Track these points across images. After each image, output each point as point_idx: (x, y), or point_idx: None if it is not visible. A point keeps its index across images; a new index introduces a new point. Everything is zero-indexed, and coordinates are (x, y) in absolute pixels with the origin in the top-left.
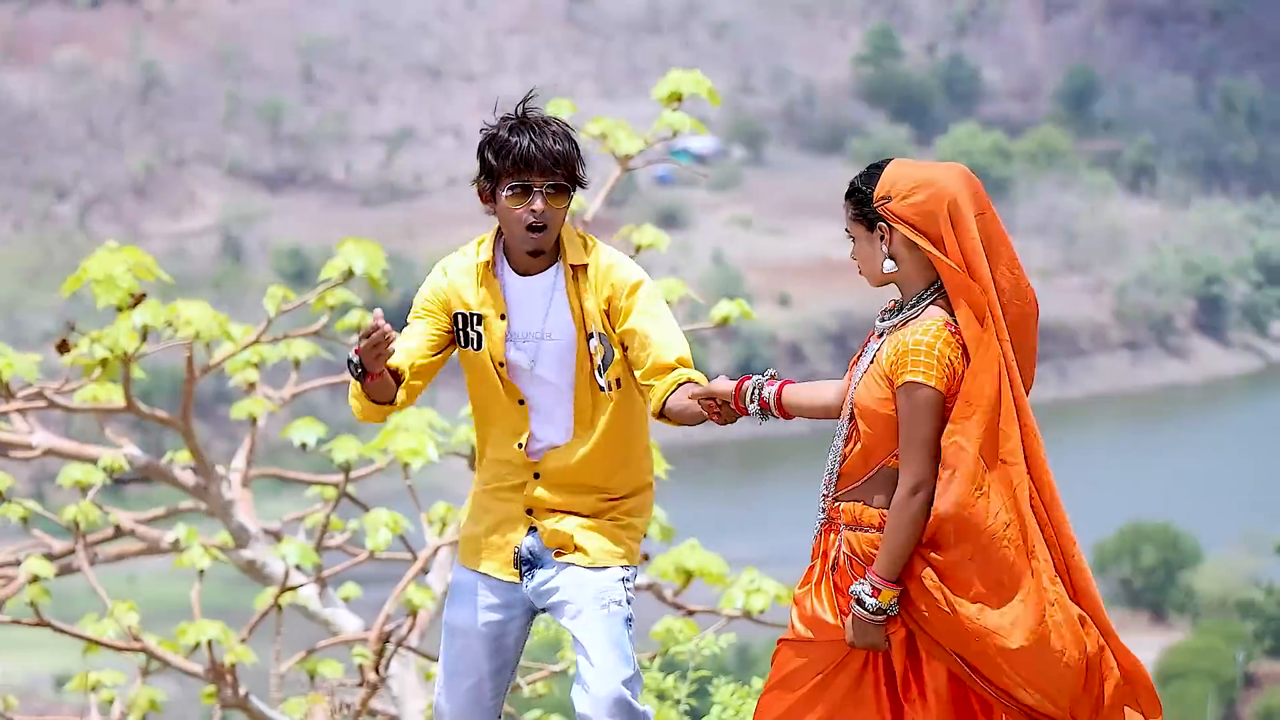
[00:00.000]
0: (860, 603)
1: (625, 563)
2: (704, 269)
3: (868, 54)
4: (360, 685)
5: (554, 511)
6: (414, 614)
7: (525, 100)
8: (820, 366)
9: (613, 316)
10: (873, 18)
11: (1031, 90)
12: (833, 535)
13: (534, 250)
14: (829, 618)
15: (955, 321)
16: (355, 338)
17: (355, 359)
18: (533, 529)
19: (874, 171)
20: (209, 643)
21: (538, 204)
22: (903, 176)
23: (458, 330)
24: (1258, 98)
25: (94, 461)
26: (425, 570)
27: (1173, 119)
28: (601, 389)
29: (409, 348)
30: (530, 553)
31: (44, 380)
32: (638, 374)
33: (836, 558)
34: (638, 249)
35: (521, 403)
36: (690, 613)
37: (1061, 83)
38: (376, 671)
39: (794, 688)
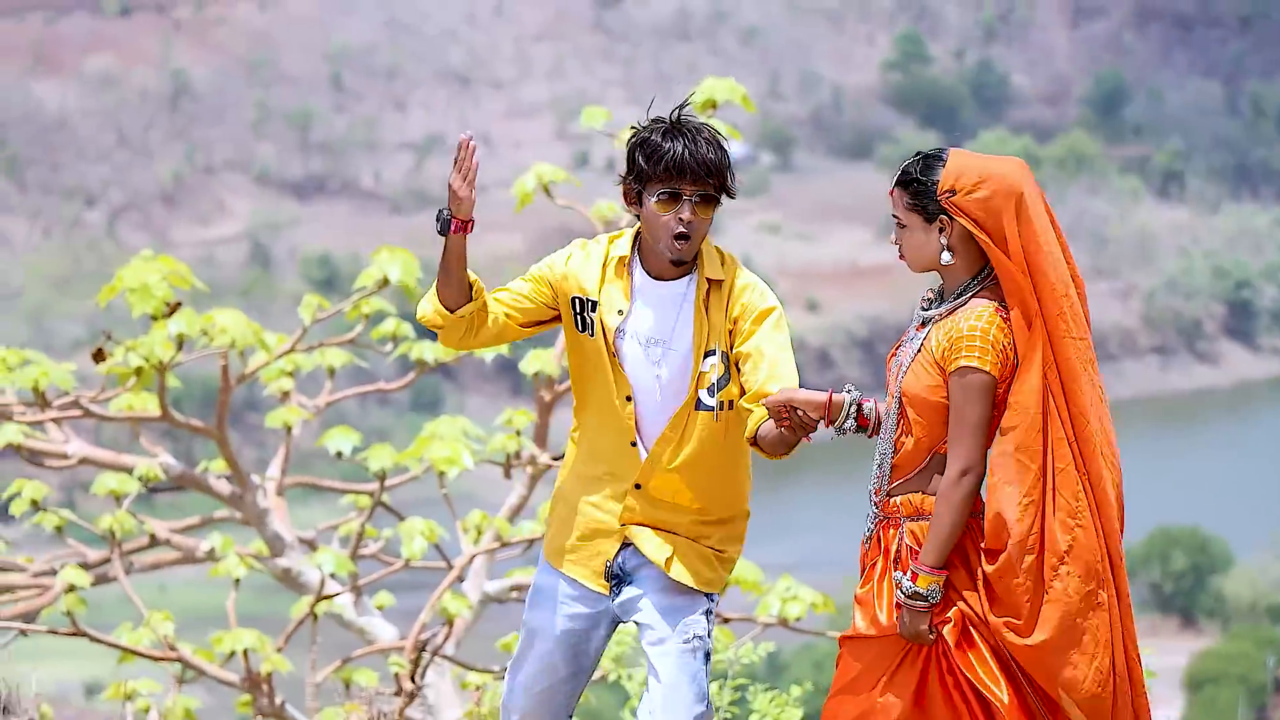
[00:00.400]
0: (901, 589)
1: (713, 591)
2: None
3: (896, 59)
4: (396, 694)
5: (649, 527)
6: (450, 623)
7: (681, 106)
8: (848, 371)
9: (735, 337)
10: (901, 23)
11: (1060, 95)
12: (892, 530)
13: (677, 259)
14: (889, 618)
15: (1005, 309)
16: (390, 346)
17: (443, 211)
18: (626, 543)
19: (931, 161)
20: (244, 651)
21: (686, 212)
22: (968, 169)
23: (575, 315)
24: None
25: (129, 471)
26: (461, 579)
27: (1202, 124)
28: (710, 408)
29: (500, 296)
30: (621, 568)
31: (79, 389)
32: (743, 399)
33: (899, 552)
34: None
35: (629, 399)
36: (726, 620)
37: (1090, 88)
38: (412, 680)
39: (859, 691)
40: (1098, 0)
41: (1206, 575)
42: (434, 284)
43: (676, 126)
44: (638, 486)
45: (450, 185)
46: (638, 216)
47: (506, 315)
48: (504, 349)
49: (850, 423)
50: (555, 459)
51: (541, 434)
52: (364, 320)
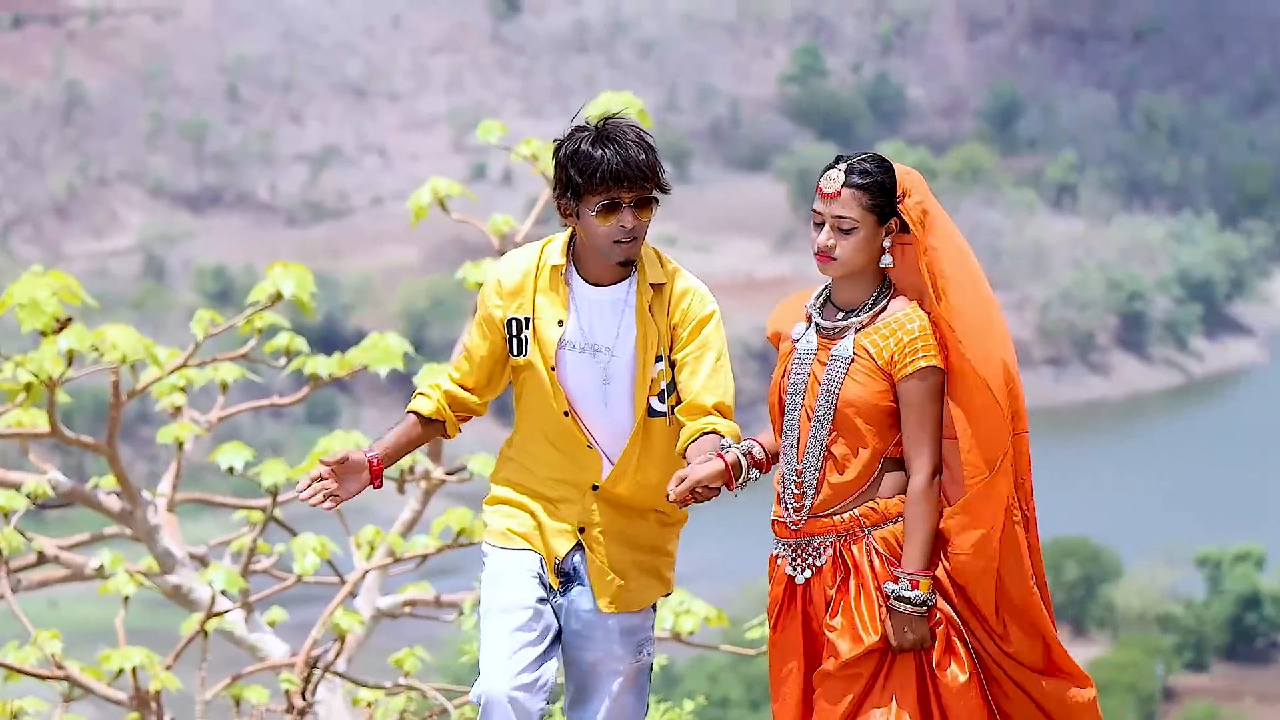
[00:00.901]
0: (903, 599)
1: (664, 594)
2: None
3: (793, 72)
4: (287, 711)
5: (607, 537)
6: (342, 639)
7: (608, 117)
8: (744, 384)
9: (674, 341)
10: (798, 37)
11: (956, 108)
12: (855, 545)
13: (625, 260)
14: (875, 631)
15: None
16: (284, 361)
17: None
18: (579, 546)
19: (878, 164)
20: (133, 669)
21: (627, 220)
22: (905, 175)
23: (511, 339)
24: (1178, 115)
25: (17, 487)
26: (353, 594)
27: (1095, 137)
28: (661, 414)
29: (461, 372)
30: (575, 569)
31: None
32: (677, 409)
33: (872, 562)
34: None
35: (566, 414)
36: None
37: (985, 101)
38: (303, 697)
39: (854, 713)
40: (993, 14)
41: (1097, 585)
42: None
43: (603, 133)
44: (595, 488)
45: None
46: (571, 226)
47: (488, 378)
48: (399, 363)
49: (753, 473)
50: (450, 474)
51: (436, 449)
52: (257, 335)
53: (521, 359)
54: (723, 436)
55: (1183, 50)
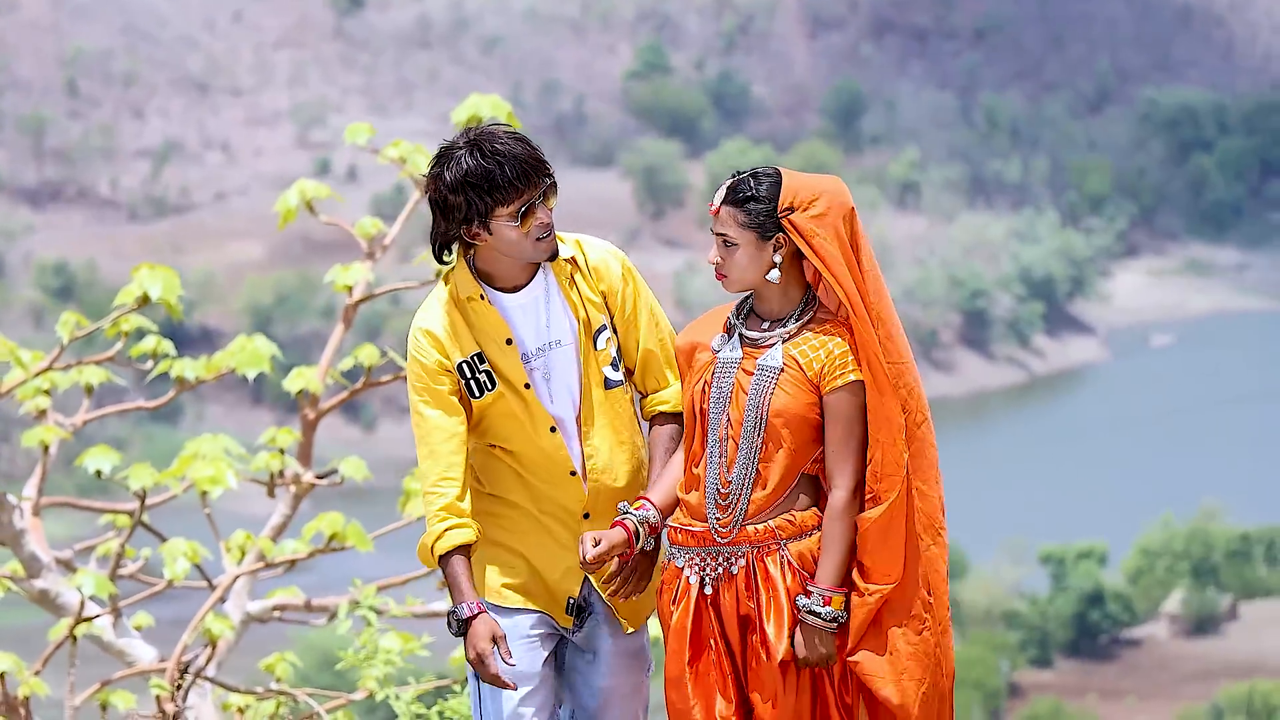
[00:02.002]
0: (814, 614)
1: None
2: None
3: (638, 69)
4: (157, 717)
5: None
6: (213, 644)
7: (470, 129)
8: None
9: (611, 304)
10: (642, 34)
11: (799, 106)
12: (769, 558)
13: (550, 254)
14: (779, 646)
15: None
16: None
17: (458, 625)
18: (587, 579)
19: (764, 179)
20: (1, 675)
21: (544, 215)
22: (804, 186)
23: (466, 382)
24: (1020, 114)
25: None
26: (223, 599)
27: (938, 135)
28: (619, 382)
29: (449, 465)
30: (586, 599)
31: None
32: (634, 371)
33: (784, 577)
34: (437, 274)
35: (553, 429)
36: None
37: (828, 98)
38: (174, 703)
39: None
40: (835, 12)
41: None
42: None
43: (479, 144)
44: (587, 516)
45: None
46: (472, 242)
47: (465, 428)
48: (266, 366)
49: (649, 542)
50: (320, 478)
51: (306, 452)
52: (124, 337)
53: (490, 394)
54: (670, 418)
55: (1023, 49)
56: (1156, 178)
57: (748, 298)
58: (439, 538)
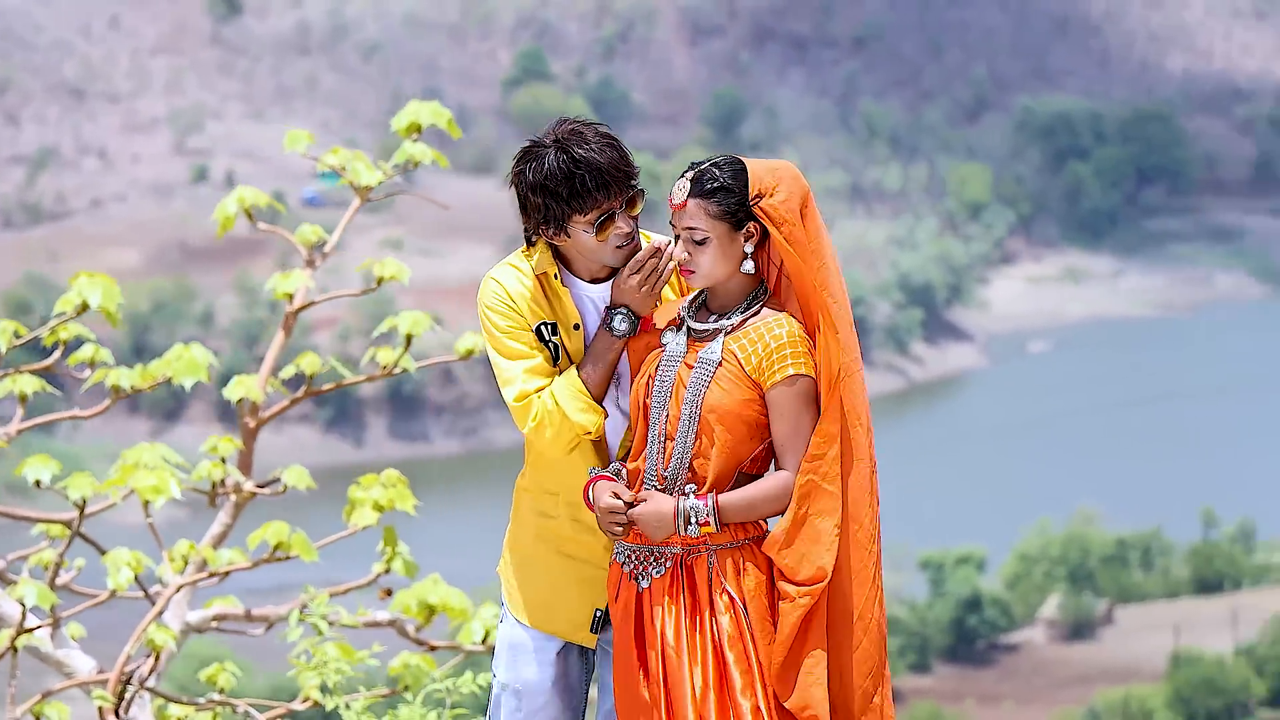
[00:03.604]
0: (694, 506)
1: None
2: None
3: (517, 76)
4: None
5: None
6: (156, 655)
7: (561, 123)
8: (472, 388)
9: None
10: (522, 40)
11: (680, 113)
12: (695, 563)
13: (623, 265)
14: (697, 657)
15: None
16: (87, 372)
17: (623, 312)
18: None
19: (729, 168)
20: None
21: (624, 225)
22: (766, 172)
23: (544, 344)
24: (899, 122)
25: None
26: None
27: (817, 142)
28: None
29: (545, 364)
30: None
31: None
32: None
33: (709, 583)
34: (379, 281)
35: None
36: (433, 648)
37: (708, 106)
38: (117, 714)
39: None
40: (715, 19)
41: None
42: (576, 396)
43: (566, 144)
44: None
45: (640, 289)
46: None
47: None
48: (204, 375)
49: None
50: (260, 487)
51: (246, 461)
52: (62, 345)
53: (559, 365)
54: None
55: (902, 57)
56: (1034, 185)
57: (700, 291)
58: (558, 382)
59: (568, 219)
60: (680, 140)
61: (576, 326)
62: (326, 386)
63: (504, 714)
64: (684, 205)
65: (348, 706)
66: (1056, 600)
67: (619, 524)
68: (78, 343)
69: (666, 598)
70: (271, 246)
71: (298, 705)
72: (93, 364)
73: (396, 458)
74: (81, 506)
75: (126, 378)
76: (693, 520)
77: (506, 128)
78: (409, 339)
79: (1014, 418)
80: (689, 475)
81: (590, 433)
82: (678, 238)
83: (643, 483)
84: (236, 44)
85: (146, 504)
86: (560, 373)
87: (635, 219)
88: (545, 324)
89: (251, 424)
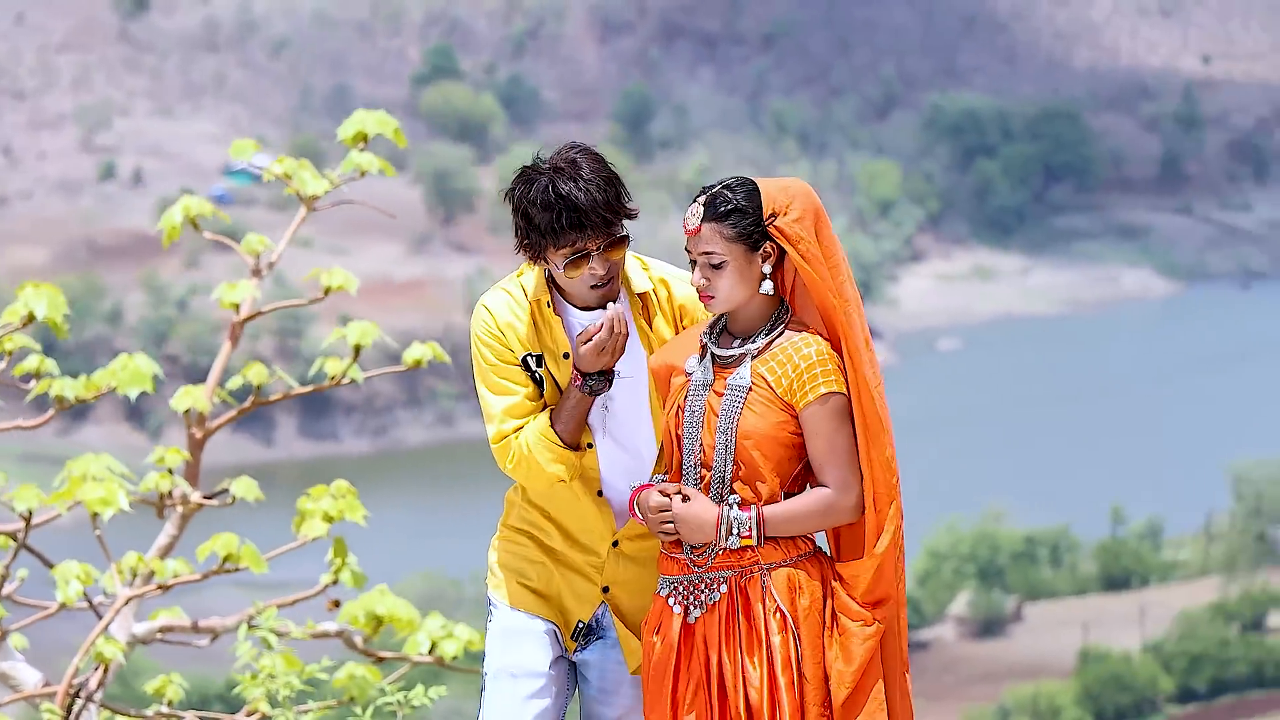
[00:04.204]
0: (733, 509)
1: None
2: (265, 291)
3: (427, 73)
4: None
5: (629, 593)
6: (105, 667)
7: (561, 151)
8: (382, 388)
9: None
10: (431, 37)
11: (590, 110)
12: (749, 585)
13: (602, 302)
14: (759, 672)
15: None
16: (31, 382)
17: (593, 373)
18: (603, 604)
19: (739, 189)
20: None
21: (599, 268)
22: (780, 191)
23: (530, 374)
24: (808, 119)
25: None
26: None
27: (726, 139)
28: None
29: (527, 399)
30: (597, 623)
31: None
32: None
33: (764, 603)
34: (326, 291)
35: (590, 445)
36: (380, 660)
37: (618, 103)
38: None
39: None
40: (624, 16)
41: None
42: (548, 447)
43: (555, 175)
44: (615, 544)
45: (597, 356)
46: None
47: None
48: (148, 386)
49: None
50: (208, 498)
51: (193, 472)
52: (7, 357)
53: (544, 396)
54: None
55: (811, 55)
56: (942, 183)
57: (721, 315)
58: (531, 429)
59: (544, 249)
60: (590, 138)
61: (566, 355)
62: (275, 397)
63: (501, 701)
64: (698, 230)
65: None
66: (966, 597)
67: (668, 520)
68: (23, 353)
69: (721, 627)
70: (180, 246)
71: (242, 718)
72: (38, 374)
73: (306, 457)
74: (28, 518)
75: (70, 388)
76: (735, 532)
77: (416, 124)
78: (358, 349)
79: (923, 415)
80: (741, 503)
81: (564, 480)
82: (694, 263)
83: None
84: (144, 40)
85: (95, 516)
86: (545, 406)
87: (616, 261)
88: (531, 355)
89: (198, 434)
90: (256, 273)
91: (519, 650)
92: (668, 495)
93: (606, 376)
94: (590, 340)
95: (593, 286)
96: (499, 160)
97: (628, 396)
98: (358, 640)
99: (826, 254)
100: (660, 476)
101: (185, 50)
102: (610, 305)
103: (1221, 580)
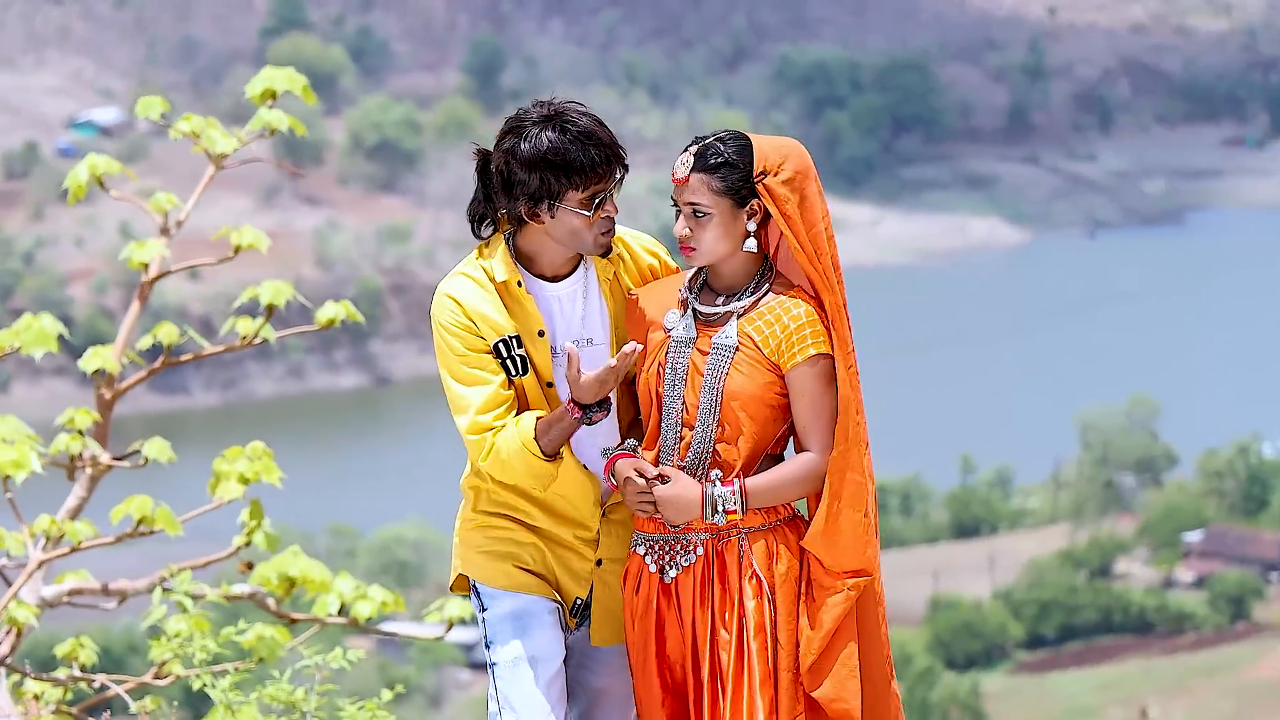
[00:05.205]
0: (721, 495)
1: None
2: (111, 242)
3: (275, 25)
4: None
5: (618, 567)
6: (19, 631)
7: (549, 101)
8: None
9: None
10: None
11: (439, 62)
12: (726, 548)
13: (607, 249)
14: (730, 632)
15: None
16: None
17: (587, 405)
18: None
19: (734, 144)
20: None
21: (612, 209)
22: (772, 149)
23: (502, 361)
24: (658, 71)
25: None
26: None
27: (577, 91)
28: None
29: (502, 390)
30: (585, 604)
31: None
32: None
33: (740, 567)
34: (236, 250)
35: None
36: (293, 621)
37: (468, 55)
38: None
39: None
40: None
41: None
42: (530, 467)
43: (559, 120)
44: (604, 514)
45: (597, 386)
46: (524, 222)
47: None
48: (53, 346)
49: (720, 518)
50: (117, 459)
51: (103, 433)
52: None
53: (525, 377)
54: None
55: (661, 7)
56: (792, 134)
57: (700, 269)
58: (512, 437)
59: (562, 195)
60: (440, 89)
61: (541, 333)
62: (185, 357)
63: (522, 689)
64: (686, 179)
65: (214, 685)
66: None
67: (648, 500)
68: None
69: (696, 589)
70: (24, 199)
71: (149, 678)
72: None
73: (155, 410)
74: None
75: None
76: (720, 508)
77: None
78: (270, 309)
79: None
80: (712, 461)
81: (539, 491)
82: (679, 212)
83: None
84: None
85: (6, 479)
86: (524, 388)
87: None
88: (505, 340)
89: (108, 395)
90: (165, 231)
91: (532, 635)
92: (646, 477)
93: (604, 405)
94: (590, 377)
95: (603, 233)
96: (347, 113)
97: (593, 365)
98: (270, 603)
99: (810, 219)
100: (633, 442)
101: (28, 1)
102: (629, 344)
103: (1070, 527)
